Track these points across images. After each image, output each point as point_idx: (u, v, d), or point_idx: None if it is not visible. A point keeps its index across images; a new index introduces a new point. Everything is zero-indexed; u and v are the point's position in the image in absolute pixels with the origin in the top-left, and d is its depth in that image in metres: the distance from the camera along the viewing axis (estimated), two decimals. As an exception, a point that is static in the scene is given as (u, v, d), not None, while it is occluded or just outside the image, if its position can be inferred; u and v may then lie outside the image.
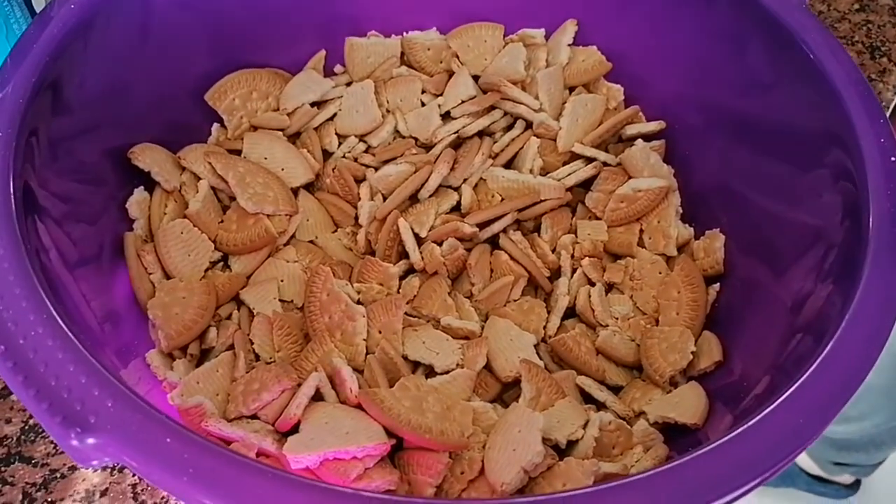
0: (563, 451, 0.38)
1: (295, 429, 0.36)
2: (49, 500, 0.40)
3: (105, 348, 0.34)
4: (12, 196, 0.32)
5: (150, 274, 0.42)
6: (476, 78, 0.50)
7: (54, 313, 0.29)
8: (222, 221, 0.45)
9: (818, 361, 0.31)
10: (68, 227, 0.37)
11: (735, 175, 0.46)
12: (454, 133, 0.48)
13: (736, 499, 0.27)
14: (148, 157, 0.43)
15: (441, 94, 0.51)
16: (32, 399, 0.27)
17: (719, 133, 0.47)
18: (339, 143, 0.49)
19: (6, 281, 0.29)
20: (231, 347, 0.41)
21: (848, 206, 0.37)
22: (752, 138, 0.45)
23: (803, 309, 0.37)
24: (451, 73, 0.51)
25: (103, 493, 0.41)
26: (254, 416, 0.37)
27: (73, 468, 0.41)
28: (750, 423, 0.29)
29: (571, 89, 0.51)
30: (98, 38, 0.40)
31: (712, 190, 0.47)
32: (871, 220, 0.34)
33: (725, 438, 0.28)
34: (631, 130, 0.49)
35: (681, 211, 0.48)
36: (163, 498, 0.41)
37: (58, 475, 0.41)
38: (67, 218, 0.37)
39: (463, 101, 0.49)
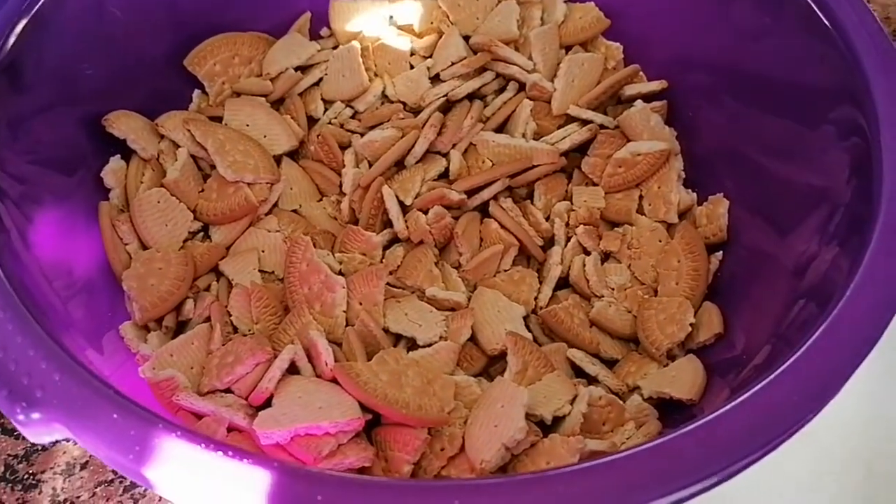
0: (549, 427, 0.36)
1: (268, 403, 0.35)
2: (30, 471, 0.40)
3: (68, 325, 0.33)
4: None
5: (126, 244, 0.40)
6: (467, 39, 0.48)
7: (7, 286, 0.28)
8: (202, 191, 0.43)
9: (824, 327, 0.28)
10: (29, 206, 0.35)
11: (741, 136, 0.44)
12: (443, 96, 0.46)
13: (729, 477, 0.26)
14: (123, 124, 0.42)
15: (430, 57, 0.49)
16: (-23, 373, 0.26)
17: (724, 91, 0.45)
18: (325, 109, 0.48)
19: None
20: (208, 319, 0.39)
21: (856, 163, 0.34)
22: (760, 96, 0.42)
23: (807, 274, 0.35)
24: (441, 34, 0.49)
25: (83, 466, 0.40)
26: (227, 391, 0.36)
27: (55, 441, 0.41)
28: (746, 394, 0.27)
29: (568, 48, 0.49)
30: (54, 11, 0.38)
31: (716, 152, 0.45)
32: (882, 176, 0.32)
33: (718, 412, 0.27)
34: (630, 91, 0.47)
35: (683, 175, 0.46)
36: (142, 472, 0.40)
37: (39, 448, 0.41)
38: (29, 197, 0.36)
39: (453, 63, 0.47)
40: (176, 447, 0.25)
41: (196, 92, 0.47)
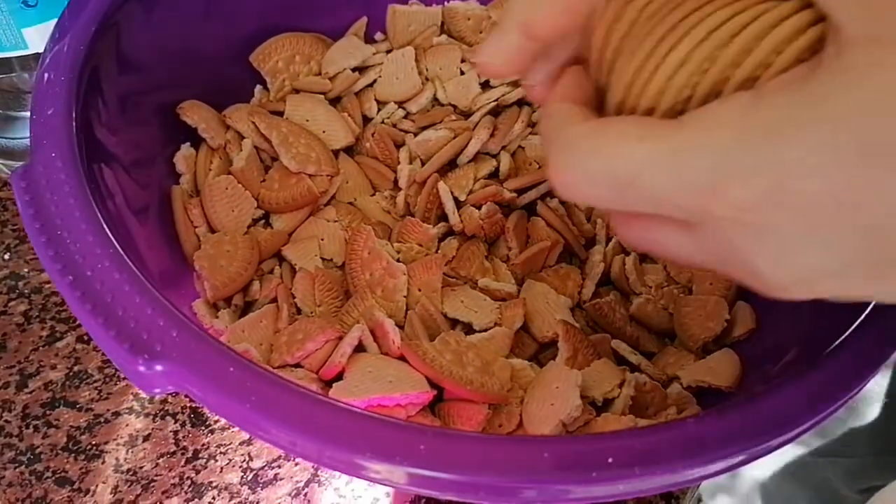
0: (599, 408, 0.39)
1: (338, 377, 0.37)
2: (93, 443, 0.41)
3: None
4: (75, 136, 0.33)
5: (196, 227, 0.42)
6: None
7: (119, 248, 0.30)
8: (264, 180, 0.45)
9: (858, 322, 0.31)
10: (123, 174, 0.38)
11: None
12: (493, 101, 0.48)
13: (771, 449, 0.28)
14: (195, 113, 0.44)
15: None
16: (101, 327, 0.28)
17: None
18: (379, 109, 0.50)
19: (72, 216, 0.30)
20: (274, 300, 0.41)
21: None
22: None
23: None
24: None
25: (146, 438, 0.42)
26: (297, 365, 0.38)
27: (117, 413, 0.42)
28: (788, 378, 0.30)
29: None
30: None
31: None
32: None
33: (764, 390, 0.29)
34: None
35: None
36: (203, 444, 0.42)
37: (101, 420, 0.42)
38: (122, 165, 0.38)
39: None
40: (288, 398, 0.26)
41: (258, 87, 0.49)
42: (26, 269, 0.47)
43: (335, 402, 0.27)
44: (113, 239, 0.30)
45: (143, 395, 0.43)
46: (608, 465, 0.25)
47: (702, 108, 0.21)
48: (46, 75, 0.35)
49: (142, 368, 0.27)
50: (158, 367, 0.27)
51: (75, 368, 0.43)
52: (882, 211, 0.19)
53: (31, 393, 0.42)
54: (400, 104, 0.50)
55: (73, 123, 0.33)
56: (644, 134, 0.21)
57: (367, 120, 0.50)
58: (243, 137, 0.45)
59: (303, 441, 0.26)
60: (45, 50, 0.37)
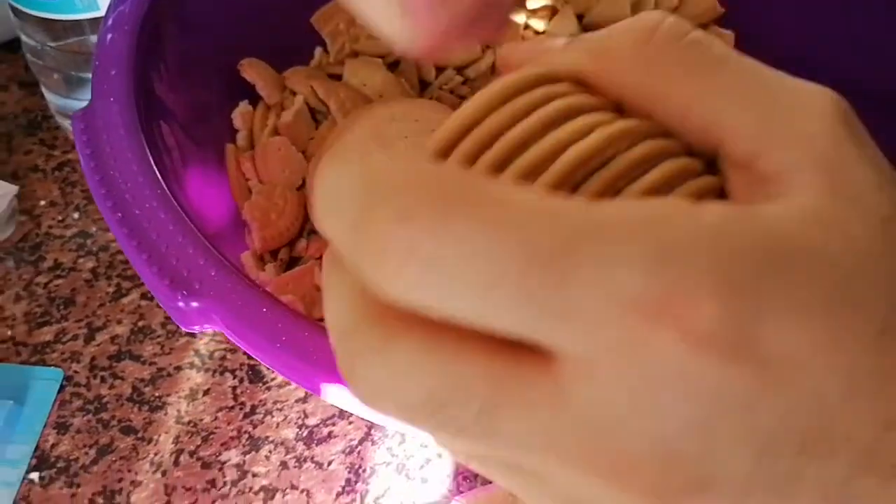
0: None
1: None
2: (156, 395, 0.43)
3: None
4: (133, 91, 0.34)
5: (248, 181, 0.43)
6: (580, 18, 0.50)
7: (167, 191, 0.31)
8: (312, 138, 0.46)
9: None
10: (179, 129, 0.38)
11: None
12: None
13: None
14: (255, 71, 0.44)
15: (543, 33, 0.50)
16: (145, 263, 0.28)
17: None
18: (437, 75, 0.50)
19: (125, 158, 0.31)
20: (319, 258, 0.42)
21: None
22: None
23: None
24: (554, 11, 0.51)
25: (206, 393, 0.43)
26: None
27: (179, 368, 0.44)
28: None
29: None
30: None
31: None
32: None
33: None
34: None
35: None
36: (260, 400, 0.42)
37: (164, 373, 0.43)
38: (179, 120, 0.39)
39: (565, 39, 0.48)
40: (318, 339, 0.26)
41: (318, 49, 0.49)
42: (94, 229, 0.48)
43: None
44: (163, 182, 0.31)
45: (203, 350, 0.44)
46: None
47: None
48: (109, 35, 0.37)
49: (181, 304, 0.28)
50: (195, 304, 0.28)
51: (139, 324, 0.45)
52: None
53: (98, 346, 0.44)
54: (459, 70, 0.50)
55: (133, 80, 0.34)
56: None
57: (424, 85, 0.50)
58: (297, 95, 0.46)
59: (332, 382, 0.26)
60: (107, 10, 0.38)
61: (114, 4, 0.38)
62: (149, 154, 0.32)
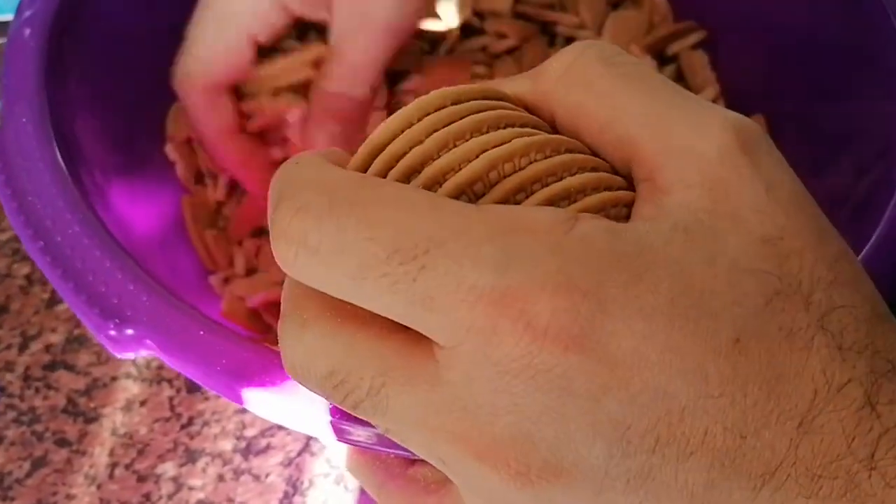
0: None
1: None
2: (91, 406, 0.42)
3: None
4: (47, 102, 0.33)
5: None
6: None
7: (89, 213, 0.30)
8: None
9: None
10: (100, 140, 0.37)
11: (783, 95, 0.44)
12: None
13: None
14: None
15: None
16: (71, 291, 0.28)
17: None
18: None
19: (42, 180, 0.30)
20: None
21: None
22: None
23: (842, 209, 0.36)
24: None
25: (142, 403, 0.42)
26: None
27: (115, 378, 0.43)
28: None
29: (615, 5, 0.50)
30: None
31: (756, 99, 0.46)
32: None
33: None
34: (675, 48, 0.48)
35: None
36: (198, 411, 0.42)
37: (100, 384, 0.43)
38: (100, 130, 0.37)
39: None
40: (257, 360, 0.26)
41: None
42: (30, 235, 0.47)
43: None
44: (84, 205, 0.30)
45: (139, 361, 0.44)
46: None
47: None
48: (17, 39, 0.35)
49: (113, 332, 0.27)
50: (129, 331, 0.27)
51: (75, 332, 0.44)
52: None
53: (32, 355, 0.43)
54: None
55: (46, 99, 0.33)
56: None
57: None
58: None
59: (282, 405, 0.26)
60: (17, 12, 0.36)
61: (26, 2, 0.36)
62: (67, 175, 0.31)
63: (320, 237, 0.17)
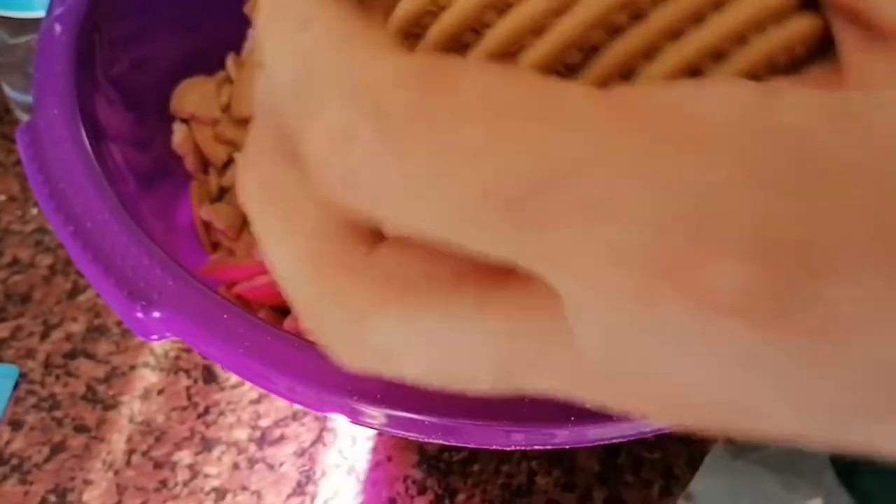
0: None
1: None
2: (110, 394, 0.43)
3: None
4: (76, 94, 0.34)
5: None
6: None
7: (118, 201, 0.31)
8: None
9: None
10: (124, 135, 0.39)
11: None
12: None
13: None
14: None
15: None
16: (100, 275, 0.29)
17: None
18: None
19: (73, 170, 0.31)
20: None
21: None
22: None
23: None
24: None
25: (160, 392, 0.43)
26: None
27: (133, 367, 0.44)
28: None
29: None
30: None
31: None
32: None
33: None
34: None
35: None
36: (214, 401, 0.43)
37: (119, 372, 0.44)
38: (125, 122, 0.39)
39: None
40: (279, 344, 0.27)
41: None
42: (53, 226, 0.49)
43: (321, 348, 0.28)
44: (112, 192, 0.31)
45: (157, 350, 0.45)
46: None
47: None
48: (48, 34, 0.36)
49: (139, 315, 0.28)
50: (155, 314, 0.28)
51: (95, 322, 0.45)
52: None
53: (53, 343, 0.44)
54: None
55: (76, 90, 0.34)
56: None
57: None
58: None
59: (301, 387, 0.27)
60: (48, 9, 0.37)
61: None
62: (96, 164, 0.32)
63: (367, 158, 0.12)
